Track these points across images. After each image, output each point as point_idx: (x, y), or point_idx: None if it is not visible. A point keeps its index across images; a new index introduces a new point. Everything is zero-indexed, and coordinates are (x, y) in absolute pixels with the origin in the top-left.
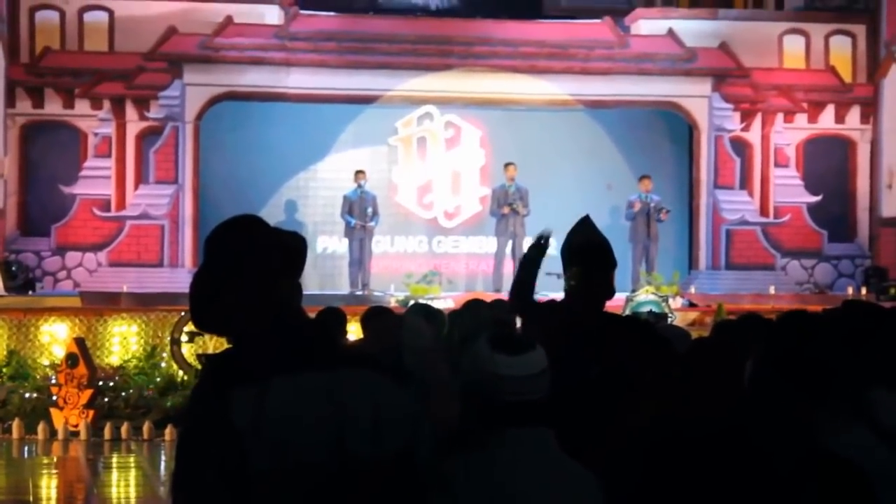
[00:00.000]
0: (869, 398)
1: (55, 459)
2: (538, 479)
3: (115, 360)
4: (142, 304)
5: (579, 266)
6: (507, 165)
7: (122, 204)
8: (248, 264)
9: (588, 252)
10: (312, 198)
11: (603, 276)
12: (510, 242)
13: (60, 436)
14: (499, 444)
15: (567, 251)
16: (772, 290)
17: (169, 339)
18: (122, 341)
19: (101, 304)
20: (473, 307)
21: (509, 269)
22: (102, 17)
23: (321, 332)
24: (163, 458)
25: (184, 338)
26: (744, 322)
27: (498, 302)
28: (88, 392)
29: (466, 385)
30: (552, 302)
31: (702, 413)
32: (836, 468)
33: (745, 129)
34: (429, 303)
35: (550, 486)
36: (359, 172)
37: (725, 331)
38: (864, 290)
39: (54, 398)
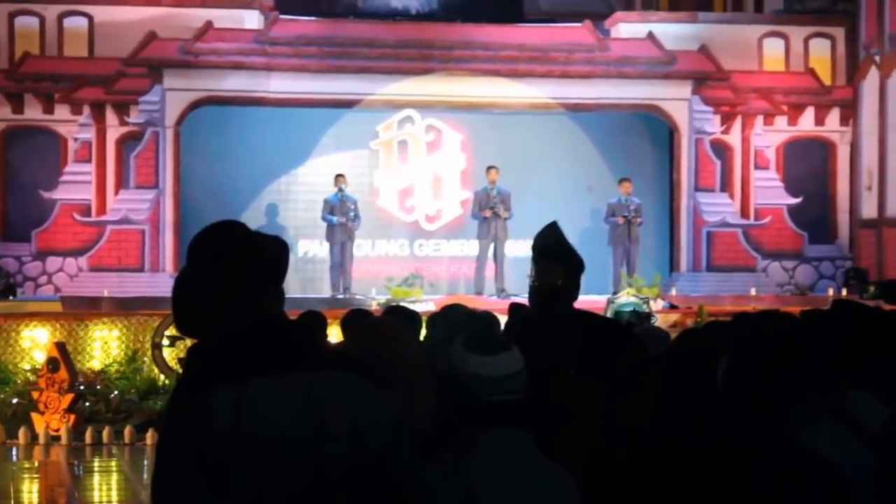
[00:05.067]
0: (848, 398)
1: (36, 464)
2: (516, 480)
3: (96, 364)
4: (123, 308)
5: (535, 265)
6: (489, 169)
7: (102, 209)
8: (230, 269)
9: (540, 252)
10: (293, 202)
11: (556, 276)
12: (492, 245)
13: (42, 440)
14: (476, 445)
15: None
16: (753, 292)
17: (150, 343)
18: (104, 346)
19: (83, 309)
20: (451, 310)
21: (491, 273)
22: (82, 22)
23: (302, 334)
24: (145, 462)
25: (165, 342)
26: (716, 325)
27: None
28: (70, 396)
29: (442, 386)
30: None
31: (677, 414)
32: (812, 467)
33: (726, 131)
34: (408, 305)
35: (528, 487)
36: (339, 176)
37: (697, 334)
38: (844, 292)
39: (35, 403)
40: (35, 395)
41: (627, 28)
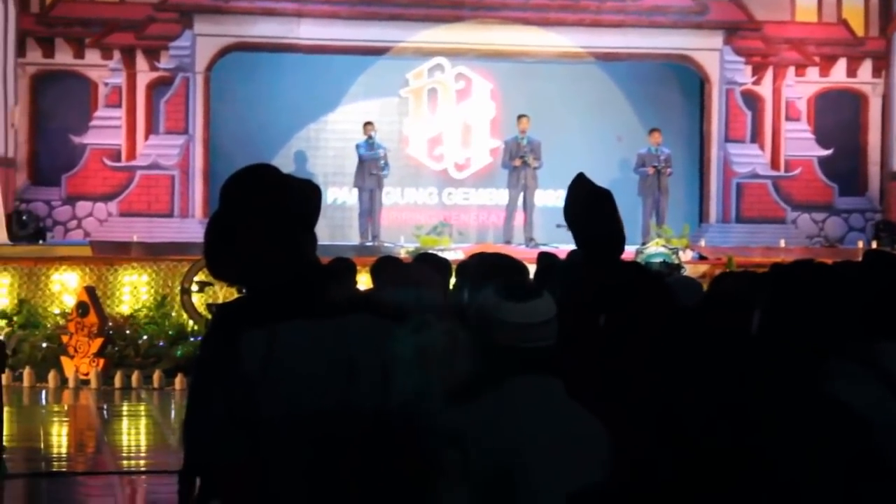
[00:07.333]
0: (881, 351)
1: (66, 407)
2: (547, 426)
3: (125, 309)
4: (152, 253)
5: (570, 218)
6: (520, 117)
7: (132, 154)
8: (262, 212)
9: (573, 204)
10: (323, 149)
11: (590, 226)
12: (521, 195)
13: (71, 384)
14: (507, 392)
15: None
16: (782, 244)
17: (179, 288)
18: (133, 290)
19: (112, 254)
20: (481, 258)
21: (520, 222)
22: None
23: (333, 280)
24: (173, 406)
25: (194, 287)
26: (749, 274)
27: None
28: (99, 341)
29: (474, 333)
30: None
31: (710, 364)
32: (840, 416)
33: (757, 82)
34: (437, 253)
35: (559, 434)
36: (367, 124)
37: (730, 282)
38: (874, 244)
39: (65, 346)
40: (65, 338)
41: None
